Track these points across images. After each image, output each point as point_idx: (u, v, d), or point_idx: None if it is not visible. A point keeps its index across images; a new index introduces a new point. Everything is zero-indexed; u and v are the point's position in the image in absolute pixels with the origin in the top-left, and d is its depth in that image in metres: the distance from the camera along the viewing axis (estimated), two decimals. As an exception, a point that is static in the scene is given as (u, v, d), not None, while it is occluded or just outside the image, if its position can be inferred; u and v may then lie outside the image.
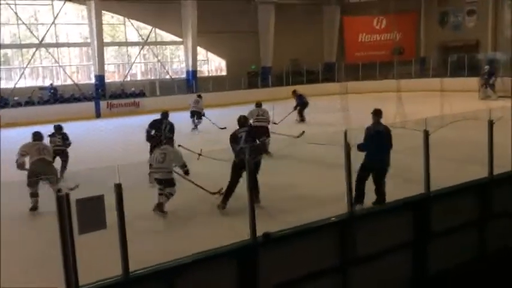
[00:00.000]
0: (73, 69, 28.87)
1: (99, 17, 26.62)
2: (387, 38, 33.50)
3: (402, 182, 8.11)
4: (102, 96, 26.64)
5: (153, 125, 10.26)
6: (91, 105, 25.13)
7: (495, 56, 28.80)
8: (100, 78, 27.32)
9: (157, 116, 10.48)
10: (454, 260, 6.34)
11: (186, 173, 8.03)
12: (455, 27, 31.83)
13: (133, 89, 27.92)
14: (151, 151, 9.26)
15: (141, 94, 27.61)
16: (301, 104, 18.02)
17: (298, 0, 32.30)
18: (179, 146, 9.32)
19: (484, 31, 29.76)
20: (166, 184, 7.86)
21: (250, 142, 7.92)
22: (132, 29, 29.61)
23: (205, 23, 29.17)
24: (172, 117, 10.60)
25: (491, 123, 6.55)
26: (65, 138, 10.96)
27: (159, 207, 7.76)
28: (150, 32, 29.93)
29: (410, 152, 7.11)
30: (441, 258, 6.21)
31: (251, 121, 10.86)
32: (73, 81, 27.73)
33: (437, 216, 6.22)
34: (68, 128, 20.54)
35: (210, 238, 5.97)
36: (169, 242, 6.65)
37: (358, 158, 6.03)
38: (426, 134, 6.08)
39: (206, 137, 15.48)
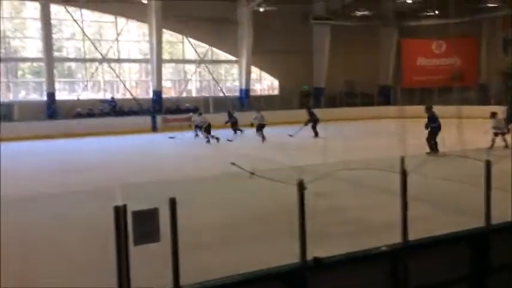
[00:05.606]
0: (132, 84, 29.96)
1: (159, 35, 27.58)
2: (446, 63, 32.60)
3: (455, 212, 7.78)
4: (158, 111, 27.45)
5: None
6: (147, 119, 25.93)
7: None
8: (158, 93, 28.21)
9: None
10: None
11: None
12: (518, 53, 30.57)
13: (187, 104, 28.57)
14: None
15: (195, 110, 28.10)
16: None
17: (354, 22, 32.15)
18: (232, 164, 9.35)
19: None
20: None
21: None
22: (190, 47, 30.44)
23: (260, 42, 29.60)
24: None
25: (488, 164, 5.94)
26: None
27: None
28: (207, 50, 30.65)
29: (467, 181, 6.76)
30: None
31: None
32: (132, 95, 28.75)
33: (498, 251, 5.91)
34: (127, 140, 21.33)
35: (259, 258, 5.92)
36: (219, 259, 6.65)
37: (412, 185, 5.84)
38: (488, 164, 5.81)
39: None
